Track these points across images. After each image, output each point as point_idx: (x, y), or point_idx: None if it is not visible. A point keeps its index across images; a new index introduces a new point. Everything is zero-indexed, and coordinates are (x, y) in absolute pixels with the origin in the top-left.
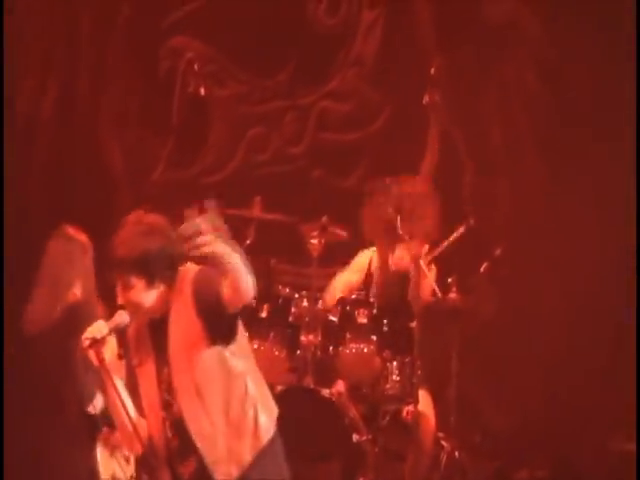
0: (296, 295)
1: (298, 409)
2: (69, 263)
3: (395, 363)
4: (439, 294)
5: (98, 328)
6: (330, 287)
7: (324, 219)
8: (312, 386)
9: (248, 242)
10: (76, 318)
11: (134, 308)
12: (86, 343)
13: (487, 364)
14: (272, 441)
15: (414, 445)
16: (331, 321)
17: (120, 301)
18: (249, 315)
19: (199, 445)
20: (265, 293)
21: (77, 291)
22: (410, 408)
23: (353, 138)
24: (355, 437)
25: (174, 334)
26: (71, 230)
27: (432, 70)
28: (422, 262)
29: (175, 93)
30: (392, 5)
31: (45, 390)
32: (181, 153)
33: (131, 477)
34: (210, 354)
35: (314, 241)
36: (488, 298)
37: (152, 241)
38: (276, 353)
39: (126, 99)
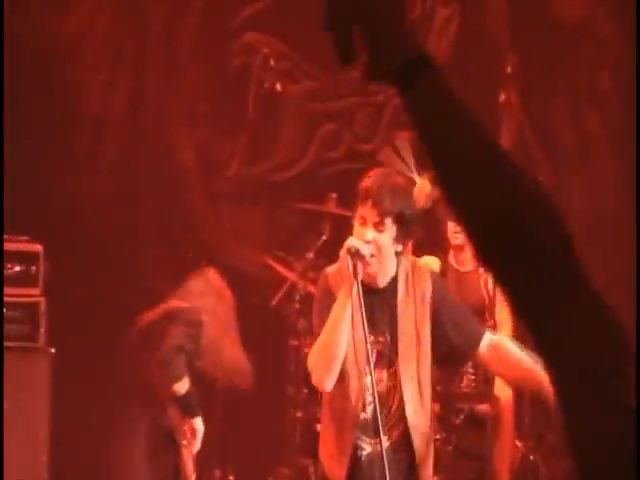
0: None
1: None
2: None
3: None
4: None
5: (361, 245)
6: None
7: None
8: None
9: (324, 238)
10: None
11: (376, 252)
12: (352, 250)
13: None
14: None
15: (490, 445)
16: None
17: (367, 237)
18: None
19: (413, 437)
20: None
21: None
22: (486, 407)
23: None
24: None
25: (403, 317)
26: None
27: (508, 69)
28: None
29: (249, 89)
30: (466, 2)
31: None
32: (254, 150)
33: None
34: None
35: None
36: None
37: (412, 201)
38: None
39: (197, 96)
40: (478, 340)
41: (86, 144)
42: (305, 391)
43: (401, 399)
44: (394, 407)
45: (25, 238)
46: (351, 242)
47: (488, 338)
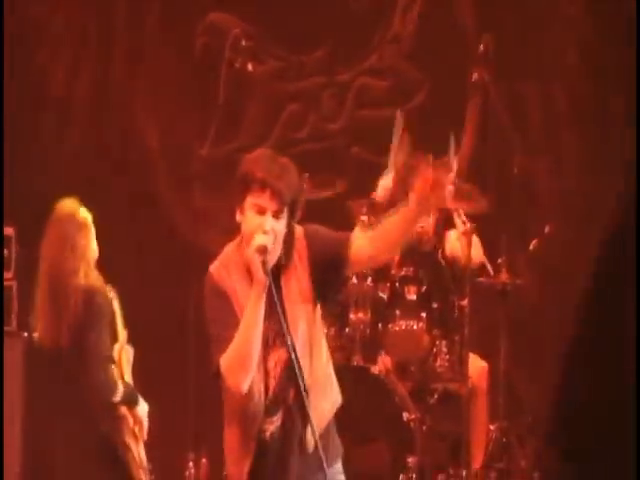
0: None
1: (347, 387)
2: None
3: (444, 341)
4: (491, 271)
5: (265, 239)
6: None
7: (373, 196)
8: (362, 364)
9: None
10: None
11: (275, 240)
12: (255, 248)
13: (532, 346)
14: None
15: (464, 424)
16: (380, 298)
17: (266, 227)
18: None
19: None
20: None
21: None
22: (460, 387)
23: (392, 115)
24: (405, 416)
25: (287, 286)
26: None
27: (481, 47)
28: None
29: (214, 70)
30: None
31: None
32: (219, 131)
33: None
34: (318, 311)
35: (364, 217)
36: (535, 280)
37: (292, 174)
38: (324, 331)
39: (162, 78)
40: (346, 241)
41: (51, 127)
42: None
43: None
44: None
45: None
46: (260, 240)
47: (357, 235)
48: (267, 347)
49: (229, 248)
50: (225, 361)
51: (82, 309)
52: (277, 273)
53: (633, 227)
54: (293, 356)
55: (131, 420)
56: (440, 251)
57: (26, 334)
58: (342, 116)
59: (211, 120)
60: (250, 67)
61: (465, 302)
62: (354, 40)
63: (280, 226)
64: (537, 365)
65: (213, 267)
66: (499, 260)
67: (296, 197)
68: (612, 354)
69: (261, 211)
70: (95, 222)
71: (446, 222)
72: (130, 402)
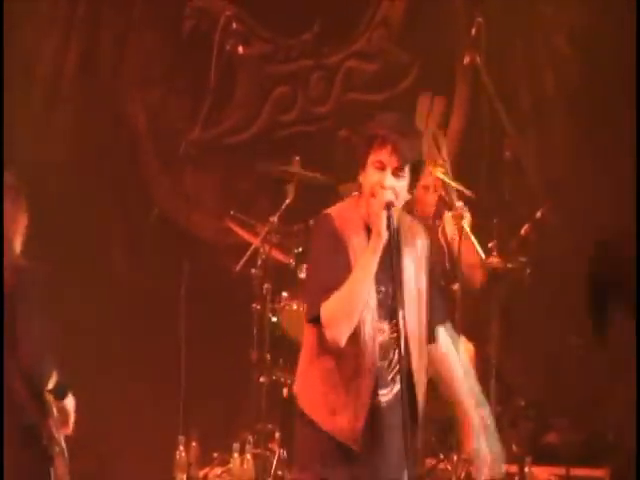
0: None
1: None
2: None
3: None
4: (483, 256)
5: (392, 196)
6: None
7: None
8: None
9: (287, 201)
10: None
11: (395, 200)
12: (383, 202)
13: (523, 330)
14: None
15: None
16: None
17: (389, 185)
18: (290, 275)
19: (417, 390)
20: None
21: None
22: None
23: (380, 98)
24: None
25: (408, 268)
26: None
27: (473, 31)
28: (466, 226)
29: (203, 53)
30: None
31: None
32: (207, 113)
33: None
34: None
35: None
36: (526, 262)
37: (416, 135)
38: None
39: (149, 60)
40: (441, 321)
41: (38, 110)
42: (268, 356)
43: (401, 351)
44: (394, 359)
45: None
46: (388, 196)
47: (443, 332)
48: (368, 311)
49: (345, 204)
50: (327, 310)
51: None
52: (396, 234)
53: (634, 214)
54: (401, 324)
55: (56, 413)
56: (440, 229)
57: None
58: (330, 99)
59: (200, 103)
60: (241, 50)
61: (456, 286)
62: (343, 23)
63: (401, 185)
64: (528, 349)
65: (331, 210)
66: (490, 244)
67: (419, 162)
68: (607, 339)
69: (382, 167)
70: (85, 206)
71: (444, 203)
72: (58, 394)
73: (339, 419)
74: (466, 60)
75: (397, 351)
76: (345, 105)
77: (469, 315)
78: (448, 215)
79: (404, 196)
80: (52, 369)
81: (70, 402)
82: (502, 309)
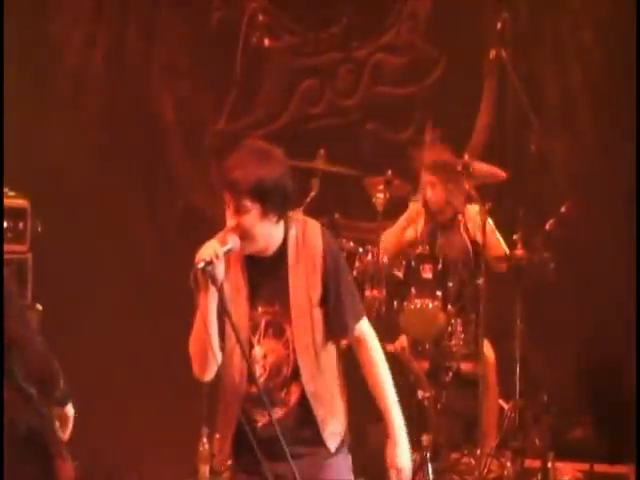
0: (360, 249)
1: None
2: None
3: (460, 320)
4: (507, 251)
5: (213, 249)
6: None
7: (389, 173)
8: None
9: (312, 194)
10: None
11: (245, 234)
12: (200, 265)
13: (547, 324)
14: None
15: (478, 403)
16: (396, 276)
17: (230, 224)
18: None
19: (312, 402)
20: None
21: None
22: (474, 366)
23: (407, 92)
24: (420, 394)
25: (294, 284)
26: None
27: (498, 25)
28: (490, 221)
29: (231, 44)
30: None
31: None
32: (235, 105)
33: None
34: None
35: (380, 195)
36: (551, 256)
37: (269, 169)
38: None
39: (177, 50)
40: (358, 318)
41: (66, 97)
42: None
43: (296, 367)
44: (289, 375)
45: (12, 194)
46: (202, 254)
47: (364, 323)
48: (257, 333)
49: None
50: (190, 346)
51: None
52: (282, 255)
53: None
54: (290, 351)
55: (57, 420)
56: (462, 225)
57: (40, 307)
58: (358, 92)
59: (227, 95)
60: (267, 42)
61: (481, 281)
62: (371, 16)
63: (249, 220)
64: (552, 343)
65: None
66: (515, 236)
67: (263, 187)
68: (627, 335)
69: (229, 208)
70: (111, 192)
71: (467, 198)
72: (60, 401)
73: (221, 442)
74: (492, 55)
75: (290, 368)
76: (372, 98)
77: (493, 309)
78: (472, 210)
79: (260, 226)
80: (60, 373)
81: (70, 409)
82: (526, 303)
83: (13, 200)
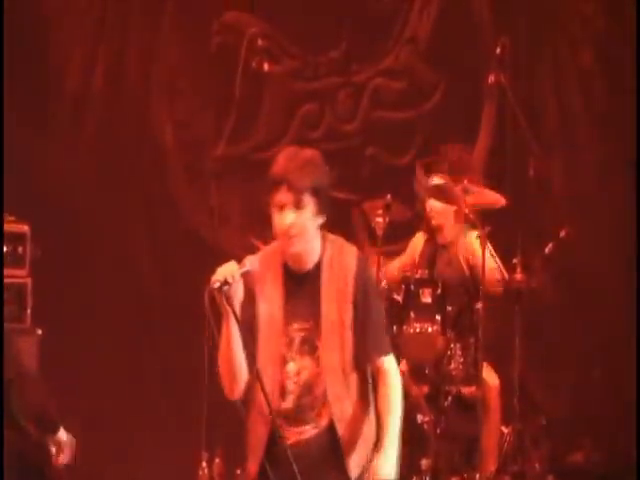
0: None
1: None
2: None
3: (459, 344)
4: (506, 276)
5: (230, 271)
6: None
7: (388, 197)
8: None
9: None
10: None
11: (300, 230)
12: (216, 285)
13: (546, 348)
14: None
15: (477, 427)
16: (395, 300)
17: (284, 222)
18: None
19: (337, 425)
20: None
21: None
22: (473, 390)
23: (407, 116)
24: (419, 418)
25: (326, 301)
26: None
27: (498, 49)
28: (489, 245)
29: (230, 68)
30: None
31: None
32: (234, 129)
33: None
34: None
35: (379, 219)
36: (549, 281)
37: (322, 169)
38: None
39: (177, 74)
40: (382, 352)
41: (66, 124)
42: None
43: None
44: (320, 394)
45: (12, 219)
46: (217, 276)
47: (388, 360)
48: (291, 349)
49: (268, 248)
50: (219, 365)
51: None
52: (317, 271)
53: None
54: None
55: (53, 447)
56: (462, 249)
57: (40, 331)
58: (358, 117)
59: (226, 119)
60: (266, 67)
61: (479, 305)
62: (370, 41)
63: (305, 215)
64: (551, 367)
65: (255, 260)
66: (514, 260)
67: (319, 186)
68: (627, 355)
69: (282, 207)
70: (111, 216)
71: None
72: (49, 427)
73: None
74: (490, 79)
75: (321, 388)
76: (372, 123)
77: (492, 333)
78: (471, 235)
79: (311, 225)
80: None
81: (63, 434)
82: (525, 327)
83: (13, 225)
